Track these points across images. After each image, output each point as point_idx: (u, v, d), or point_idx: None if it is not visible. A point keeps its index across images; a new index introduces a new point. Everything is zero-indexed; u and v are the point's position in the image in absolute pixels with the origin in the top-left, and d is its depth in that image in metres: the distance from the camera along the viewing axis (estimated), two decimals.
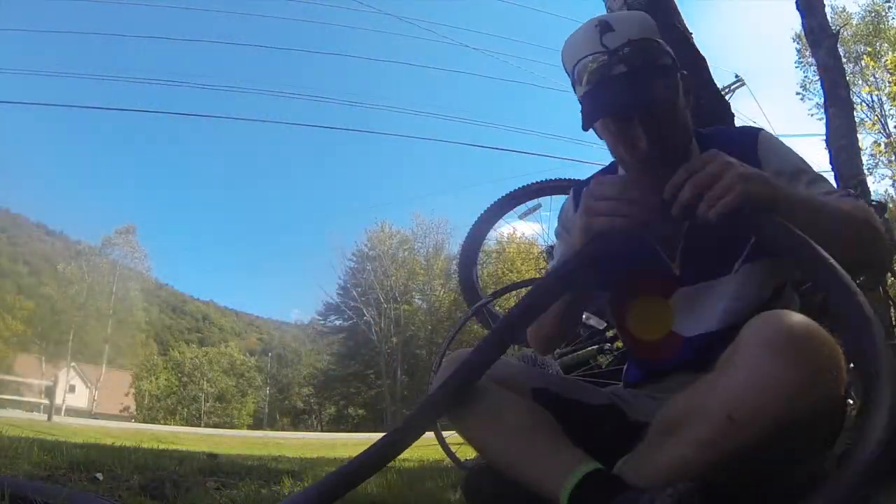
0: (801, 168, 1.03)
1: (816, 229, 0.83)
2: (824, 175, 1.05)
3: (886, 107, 17.97)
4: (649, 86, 0.95)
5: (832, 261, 0.77)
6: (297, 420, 39.75)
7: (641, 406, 1.06)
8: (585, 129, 1.01)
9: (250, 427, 34.14)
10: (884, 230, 0.96)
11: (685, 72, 1.04)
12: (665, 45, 1.00)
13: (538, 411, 0.94)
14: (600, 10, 2.96)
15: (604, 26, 0.97)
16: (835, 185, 1.06)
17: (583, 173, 2.51)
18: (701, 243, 1.02)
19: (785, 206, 0.86)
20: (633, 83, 0.94)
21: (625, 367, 1.24)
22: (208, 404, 37.24)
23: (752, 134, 1.08)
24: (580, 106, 1.01)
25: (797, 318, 0.73)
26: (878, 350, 0.69)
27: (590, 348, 2.49)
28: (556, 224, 1.25)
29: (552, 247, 1.31)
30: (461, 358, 0.95)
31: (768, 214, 0.85)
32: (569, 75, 1.03)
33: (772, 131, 1.20)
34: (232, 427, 31.80)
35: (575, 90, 1.03)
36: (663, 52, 0.99)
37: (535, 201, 2.81)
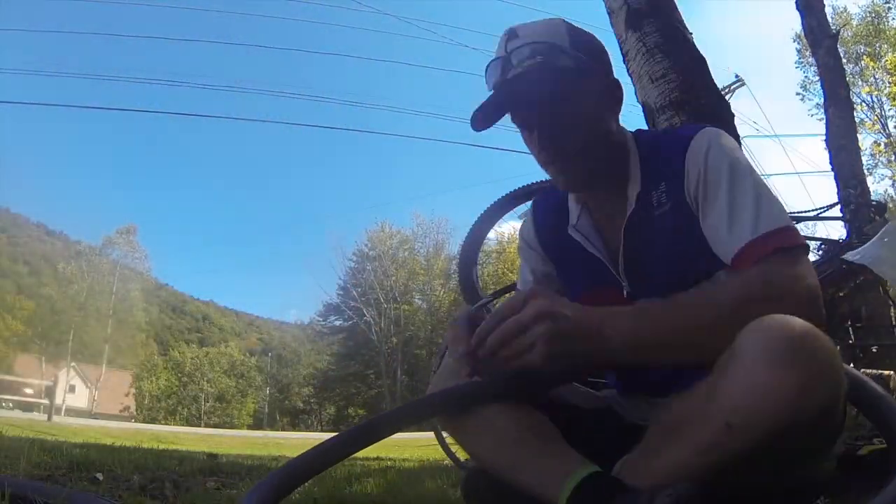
0: (726, 179, 0.91)
1: (662, 349, 0.79)
2: (751, 184, 0.90)
3: (886, 107, 17.99)
4: (539, 86, 0.93)
5: None
6: (297, 420, 39.77)
7: (637, 409, 1.06)
8: (478, 129, 0.99)
9: (250, 427, 34.16)
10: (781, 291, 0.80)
11: (616, 78, 1.01)
12: (573, 49, 0.95)
13: (535, 415, 0.94)
14: (600, 10, 2.96)
15: (510, 33, 0.95)
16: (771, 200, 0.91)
17: None
18: (641, 260, 0.99)
19: (607, 353, 0.80)
20: (524, 84, 0.92)
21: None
22: (208, 404, 37.26)
23: (686, 138, 0.97)
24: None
25: (796, 322, 0.71)
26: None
27: None
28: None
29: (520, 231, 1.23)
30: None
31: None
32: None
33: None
34: (232, 427, 31.81)
35: None
36: (567, 56, 0.94)
37: None
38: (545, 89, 0.93)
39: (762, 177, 0.94)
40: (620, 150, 1.02)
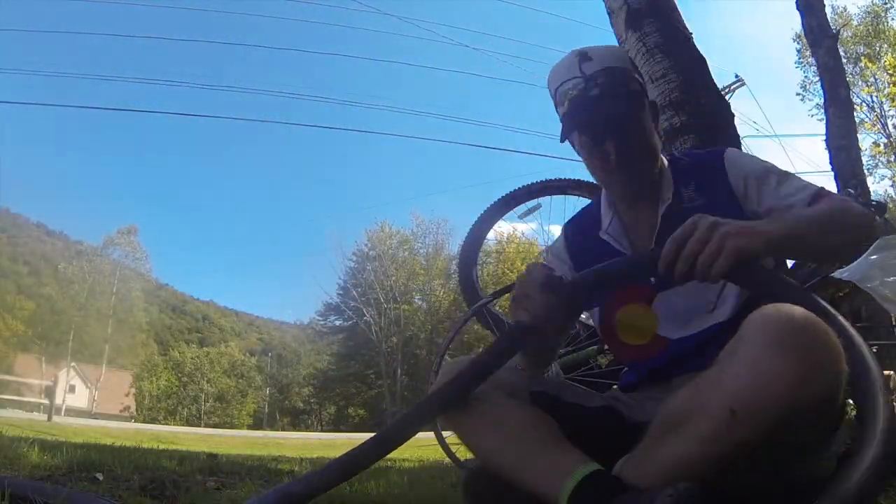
0: (768, 169, 1.14)
1: (807, 250, 1.00)
2: (791, 173, 1.14)
3: (886, 107, 17.97)
4: (618, 106, 1.11)
5: (830, 310, 0.80)
6: (297, 420, 39.76)
7: (640, 407, 1.06)
8: (562, 141, 1.17)
9: (250, 427, 34.15)
10: (860, 211, 1.06)
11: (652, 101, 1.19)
12: (636, 73, 1.16)
13: (537, 414, 0.95)
14: (600, 11, 2.97)
15: (583, 56, 1.12)
16: (805, 181, 1.15)
17: (582, 173, 2.52)
18: None
19: (774, 247, 0.93)
20: (605, 104, 1.10)
21: (622, 371, 1.26)
22: (208, 404, 37.26)
23: (719, 153, 1.19)
24: (561, 123, 1.16)
25: (797, 311, 0.74)
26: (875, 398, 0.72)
27: (589, 348, 2.49)
28: (553, 235, 1.33)
29: (549, 248, 1.35)
30: (459, 365, 0.97)
31: (763, 270, 0.92)
32: (552, 98, 1.19)
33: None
34: (232, 427, 31.81)
35: (557, 110, 1.18)
36: (633, 79, 1.14)
37: (535, 201, 2.81)
38: (623, 110, 1.11)
39: None
40: (655, 159, 1.19)
